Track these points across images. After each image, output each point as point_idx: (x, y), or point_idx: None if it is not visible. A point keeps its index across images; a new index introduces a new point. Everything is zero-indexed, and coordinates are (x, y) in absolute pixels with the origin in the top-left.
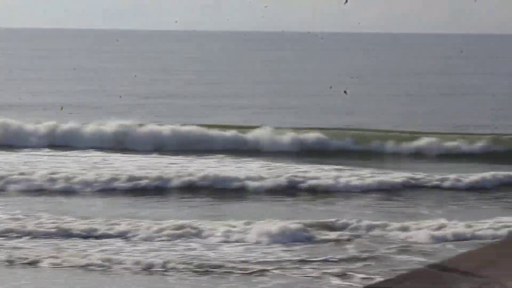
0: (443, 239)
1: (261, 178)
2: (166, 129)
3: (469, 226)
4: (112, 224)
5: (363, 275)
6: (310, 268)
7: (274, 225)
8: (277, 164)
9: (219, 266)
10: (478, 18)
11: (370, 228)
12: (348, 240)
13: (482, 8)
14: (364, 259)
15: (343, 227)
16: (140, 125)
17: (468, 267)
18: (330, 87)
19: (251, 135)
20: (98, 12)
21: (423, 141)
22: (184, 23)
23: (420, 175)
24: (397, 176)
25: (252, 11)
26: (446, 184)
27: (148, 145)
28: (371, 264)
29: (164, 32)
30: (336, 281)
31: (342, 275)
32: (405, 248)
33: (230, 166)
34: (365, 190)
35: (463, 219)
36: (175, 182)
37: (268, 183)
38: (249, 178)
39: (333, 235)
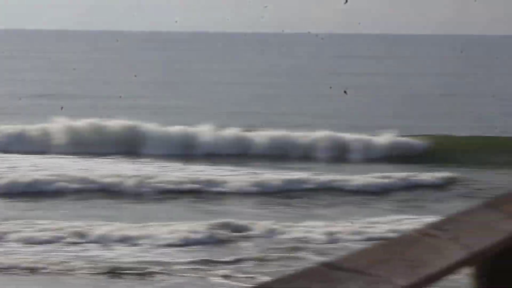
0: (336, 238)
1: (157, 180)
2: (58, 128)
3: (363, 225)
4: (6, 226)
5: (254, 275)
6: (202, 269)
7: (170, 226)
8: (169, 164)
9: (115, 267)
10: (478, 19)
11: (265, 228)
12: (243, 240)
13: (483, 9)
14: (258, 259)
15: (238, 228)
16: (34, 124)
17: (360, 266)
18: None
19: (149, 135)
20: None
21: (322, 141)
22: (184, 24)
23: (317, 175)
24: (295, 175)
25: (252, 12)
26: (342, 184)
27: (42, 145)
28: (264, 264)
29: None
30: (227, 281)
31: (233, 276)
32: (299, 247)
33: (126, 167)
34: (262, 191)
35: (357, 219)
36: (73, 183)
37: (164, 184)
38: (144, 179)
39: (228, 235)
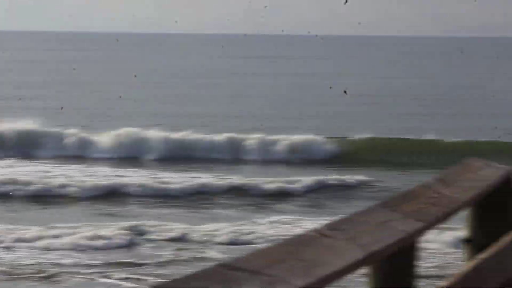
0: (239, 240)
1: (58, 182)
2: None
3: (263, 226)
4: None
5: (151, 278)
6: (103, 271)
7: (73, 229)
8: (69, 167)
9: (14, 269)
10: (478, 19)
11: (169, 230)
12: (146, 242)
13: (483, 10)
14: (161, 261)
15: (142, 231)
16: None
17: (257, 266)
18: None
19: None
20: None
21: (224, 143)
22: (184, 24)
23: (220, 178)
24: (198, 177)
25: (253, 12)
26: (249, 186)
27: None
28: (167, 266)
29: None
30: (125, 283)
31: (130, 278)
32: (203, 249)
33: (25, 170)
34: (165, 194)
35: (261, 218)
36: None
37: (65, 186)
38: (44, 182)
39: (132, 238)
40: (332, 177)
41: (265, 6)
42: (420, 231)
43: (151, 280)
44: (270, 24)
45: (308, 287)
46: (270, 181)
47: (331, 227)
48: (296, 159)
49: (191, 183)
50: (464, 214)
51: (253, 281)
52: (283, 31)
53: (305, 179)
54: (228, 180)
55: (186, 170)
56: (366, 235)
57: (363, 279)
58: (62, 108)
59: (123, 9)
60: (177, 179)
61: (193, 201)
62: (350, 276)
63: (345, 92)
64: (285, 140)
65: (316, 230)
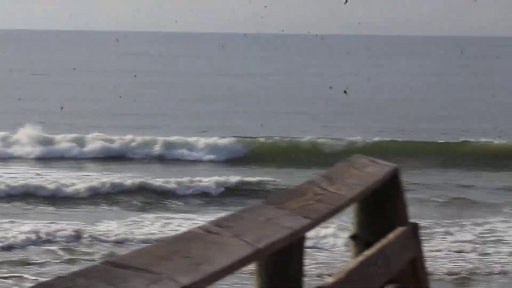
0: (130, 238)
1: None
2: None
3: (159, 225)
4: None
5: (38, 277)
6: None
7: None
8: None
9: None
10: (478, 19)
11: (60, 230)
12: (34, 243)
13: (483, 10)
14: (46, 261)
15: (34, 230)
16: None
17: (142, 263)
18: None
19: None
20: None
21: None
22: (184, 24)
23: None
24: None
25: (253, 12)
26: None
27: None
28: (54, 264)
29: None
30: (7, 281)
31: (14, 277)
32: (92, 247)
33: None
34: (60, 194)
35: (153, 218)
36: None
37: None
38: None
39: (19, 238)
40: (233, 177)
41: (265, 6)
42: (307, 228)
43: (37, 279)
44: (270, 24)
45: (194, 284)
46: (166, 180)
47: (217, 224)
48: (198, 159)
49: (85, 183)
50: (351, 210)
51: (139, 278)
52: (283, 31)
53: (205, 179)
54: (123, 179)
55: (79, 168)
56: (253, 232)
57: (250, 275)
58: (62, 108)
59: (123, 8)
60: (70, 178)
61: (86, 200)
62: (237, 273)
63: (345, 92)
64: (185, 140)
65: (202, 227)
